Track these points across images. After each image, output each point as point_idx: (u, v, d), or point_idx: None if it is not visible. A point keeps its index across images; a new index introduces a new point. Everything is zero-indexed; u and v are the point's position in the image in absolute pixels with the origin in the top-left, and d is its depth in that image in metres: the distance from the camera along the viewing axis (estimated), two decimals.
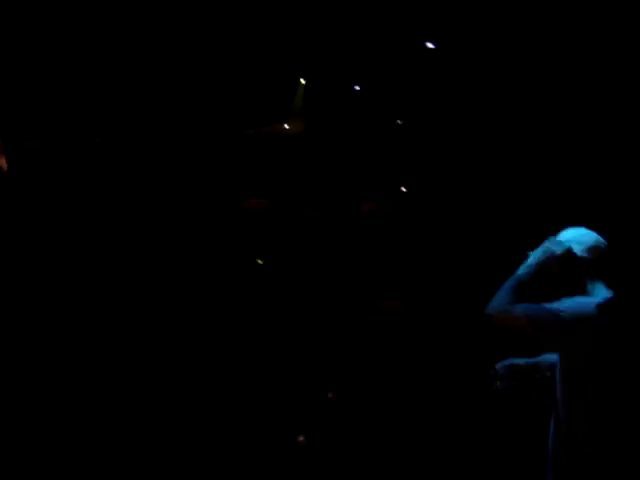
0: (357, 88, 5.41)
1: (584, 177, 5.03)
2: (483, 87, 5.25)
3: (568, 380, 2.85)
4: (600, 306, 2.84)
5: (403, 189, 5.32)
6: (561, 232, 3.04)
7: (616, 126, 4.96)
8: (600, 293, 2.90)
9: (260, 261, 4.89)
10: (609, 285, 2.95)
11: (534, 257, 3.01)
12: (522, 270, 3.00)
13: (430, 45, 5.22)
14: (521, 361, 3.25)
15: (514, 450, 3.36)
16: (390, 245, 5.10)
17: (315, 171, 5.32)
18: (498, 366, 3.35)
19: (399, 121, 5.39)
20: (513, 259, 3.08)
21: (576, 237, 2.99)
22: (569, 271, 2.95)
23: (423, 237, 5.17)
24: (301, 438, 4.13)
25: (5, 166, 4.37)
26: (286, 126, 5.28)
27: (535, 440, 3.08)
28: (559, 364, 2.89)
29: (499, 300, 2.95)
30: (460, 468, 3.94)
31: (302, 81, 5.31)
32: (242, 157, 5.17)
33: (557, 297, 2.93)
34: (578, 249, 2.94)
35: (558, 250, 2.96)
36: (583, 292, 2.91)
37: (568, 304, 2.85)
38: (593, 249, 2.95)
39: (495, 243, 4.96)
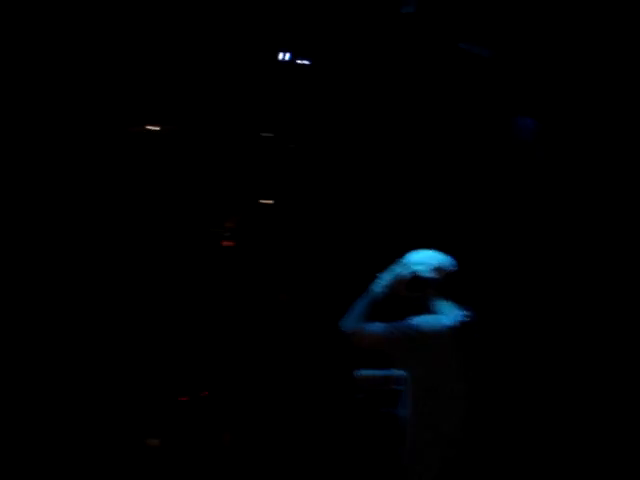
0: None
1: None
2: None
3: (416, 393, 3.01)
4: (447, 323, 3.01)
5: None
6: (408, 255, 3.19)
7: None
8: (447, 311, 3.07)
9: None
10: (456, 302, 3.13)
11: (384, 279, 3.16)
12: (373, 290, 3.15)
13: None
14: (376, 373, 3.40)
15: (368, 460, 3.49)
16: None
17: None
18: (356, 376, 3.48)
19: None
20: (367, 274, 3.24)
21: (421, 259, 3.14)
22: (417, 291, 3.11)
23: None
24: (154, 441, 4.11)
25: None
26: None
27: (388, 450, 3.20)
28: (409, 378, 3.06)
29: (353, 319, 3.09)
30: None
31: None
32: None
33: (406, 315, 3.09)
34: (424, 271, 3.10)
35: (405, 273, 3.13)
36: (430, 310, 3.08)
37: (418, 322, 3.00)
38: (437, 270, 3.11)
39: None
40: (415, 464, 3.01)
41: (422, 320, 3.02)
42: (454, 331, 3.00)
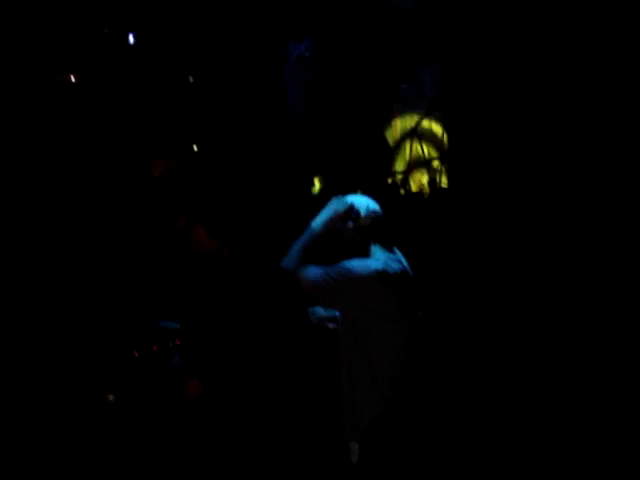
0: None
1: None
2: None
3: (347, 333, 3.16)
4: (375, 267, 3.12)
5: None
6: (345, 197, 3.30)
7: None
8: (378, 255, 3.18)
9: None
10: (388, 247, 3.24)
11: (322, 215, 3.27)
12: (311, 228, 3.25)
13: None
14: (322, 312, 3.51)
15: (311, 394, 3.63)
16: None
17: None
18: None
19: None
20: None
21: (356, 201, 3.26)
22: (354, 224, 3.22)
23: None
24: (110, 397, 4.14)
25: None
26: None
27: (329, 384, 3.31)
28: (340, 318, 3.21)
29: (292, 258, 3.19)
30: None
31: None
32: None
33: (341, 259, 3.18)
34: (360, 208, 3.23)
35: (341, 207, 3.24)
36: (366, 254, 3.19)
37: (347, 267, 3.11)
38: (371, 214, 3.24)
39: None
40: (350, 401, 3.13)
41: (351, 265, 3.11)
42: (383, 274, 3.10)
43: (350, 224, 3.22)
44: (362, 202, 3.28)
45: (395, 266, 3.17)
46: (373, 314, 3.09)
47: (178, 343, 3.55)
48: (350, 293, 3.08)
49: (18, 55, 4.88)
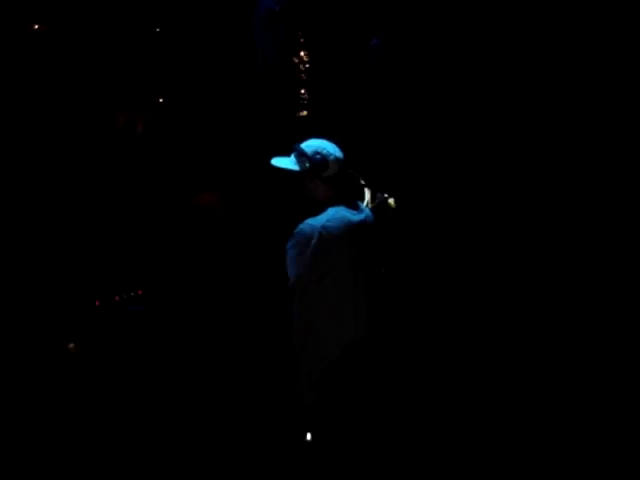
0: None
1: None
2: None
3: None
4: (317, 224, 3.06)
5: None
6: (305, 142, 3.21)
7: None
8: (334, 211, 3.12)
9: None
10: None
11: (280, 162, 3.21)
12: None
13: None
14: None
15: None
16: None
17: None
18: None
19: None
20: None
21: (320, 146, 3.17)
22: (320, 187, 3.17)
23: None
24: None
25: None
26: None
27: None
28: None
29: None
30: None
31: None
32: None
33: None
34: (327, 154, 3.15)
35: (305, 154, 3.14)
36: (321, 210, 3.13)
37: (294, 238, 3.07)
38: (338, 159, 3.17)
39: None
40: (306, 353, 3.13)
41: (302, 228, 3.07)
42: (331, 228, 3.05)
43: (317, 176, 3.12)
44: (326, 147, 3.16)
45: (354, 218, 3.11)
46: (330, 270, 3.04)
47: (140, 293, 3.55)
48: (306, 251, 3.02)
49: None
